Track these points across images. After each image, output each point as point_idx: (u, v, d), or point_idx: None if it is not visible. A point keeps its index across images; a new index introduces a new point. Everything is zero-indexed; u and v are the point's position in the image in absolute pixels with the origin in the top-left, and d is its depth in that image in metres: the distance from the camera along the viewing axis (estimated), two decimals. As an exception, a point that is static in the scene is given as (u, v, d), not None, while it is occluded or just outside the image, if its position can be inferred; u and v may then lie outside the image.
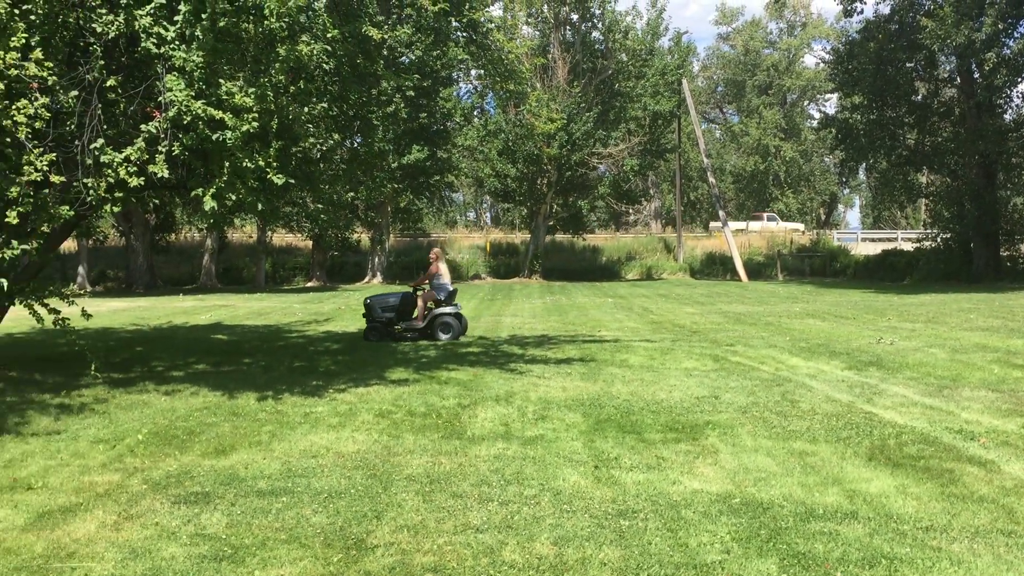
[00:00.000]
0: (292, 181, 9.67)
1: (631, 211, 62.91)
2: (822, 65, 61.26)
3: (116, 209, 10.04)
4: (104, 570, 4.58)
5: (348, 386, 10.30)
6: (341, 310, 23.60)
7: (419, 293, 15.77)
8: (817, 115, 65.01)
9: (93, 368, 10.31)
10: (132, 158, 8.98)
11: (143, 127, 9.19)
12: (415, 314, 15.64)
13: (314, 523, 5.32)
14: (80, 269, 36.57)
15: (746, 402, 9.19)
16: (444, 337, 15.29)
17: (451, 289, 16.02)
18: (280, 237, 46.44)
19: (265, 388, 10.14)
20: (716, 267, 46.74)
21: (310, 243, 41.15)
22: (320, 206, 11.29)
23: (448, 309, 15.53)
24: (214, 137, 9.06)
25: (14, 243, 7.93)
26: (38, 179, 8.41)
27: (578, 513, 5.51)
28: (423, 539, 5.05)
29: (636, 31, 44.11)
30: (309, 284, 39.44)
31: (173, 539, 5.05)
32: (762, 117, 67.83)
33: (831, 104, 69.81)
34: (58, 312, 10.52)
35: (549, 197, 42.33)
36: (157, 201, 13.25)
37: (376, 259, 40.87)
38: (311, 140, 10.17)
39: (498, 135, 40.99)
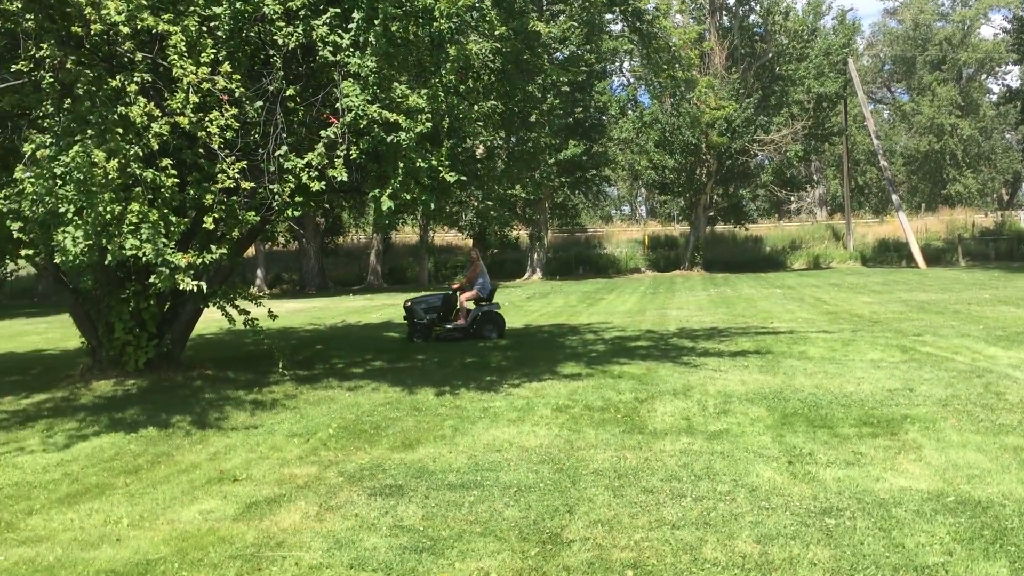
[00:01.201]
0: (464, 178, 9.79)
1: (794, 199, 60.65)
2: (1002, 35, 57.05)
3: (297, 214, 10.47)
4: (312, 559, 4.73)
5: (522, 381, 10.35)
6: (504, 307, 23.86)
7: (459, 294, 15.83)
8: (997, 89, 60.55)
9: (281, 366, 10.84)
10: (313, 163, 9.33)
11: (322, 133, 9.54)
12: (455, 314, 15.68)
13: (507, 516, 5.33)
14: (258, 272, 38.67)
15: (945, 395, 8.60)
16: (492, 335, 15.34)
17: (491, 287, 16.15)
18: (440, 237, 47.54)
19: (441, 384, 10.32)
20: (890, 254, 44.33)
21: (470, 242, 41.94)
22: (489, 203, 11.37)
23: (492, 307, 15.66)
24: (389, 139, 9.28)
25: (212, 247, 8.40)
26: (230, 186, 8.87)
27: (778, 510, 5.28)
28: (618, 534, 4.96)
29: (796, 12, 42.46)
30: (470, 282, 40.20)
31: (373, 530, 5.17)
32: (935, 94, 63.78)
33: (1013, 76, 64.91)
34: (247, 313, 11.11)
35: (709, 187, 41.38)
36: (327, 206, 13.74)
37: (535, 255, 41.17)
38: (482, 137, 10.27)
39: (654, 126, 40.40)
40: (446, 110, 9.62)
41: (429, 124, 9.16)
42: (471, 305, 15.54)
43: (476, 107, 10.10)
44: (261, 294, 12.39)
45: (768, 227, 52.56)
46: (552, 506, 5.49)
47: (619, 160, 42.33)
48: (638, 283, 34.17)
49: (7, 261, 11.70)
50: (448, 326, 15.32)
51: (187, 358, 12.42)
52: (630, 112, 41.73)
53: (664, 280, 35.52)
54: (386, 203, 9.45)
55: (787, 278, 33.29)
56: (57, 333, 19.03)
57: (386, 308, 24.29)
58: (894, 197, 45.20)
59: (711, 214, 43.39)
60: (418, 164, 9.36)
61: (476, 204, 11.69)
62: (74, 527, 5.43)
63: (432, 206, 10.07)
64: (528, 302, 25.32)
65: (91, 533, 5.30)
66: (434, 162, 9.40)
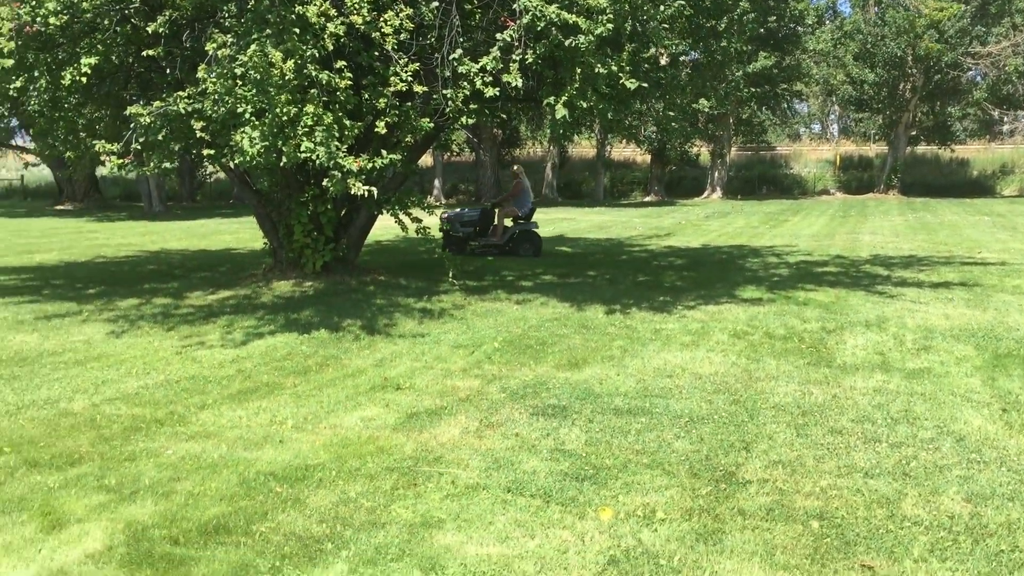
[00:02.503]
0: (645, 86, 9.17)
1: (1009, 119, 55.19)
2: None
3: (470, 121, 10.21)
4: (469, 478, 4.53)
5: (697, 303, 9.80)
6: (682, 225, 23.07)
7: (498, 210, 15.24)
8: None
9: (451, 276, 10.74)
10: (488, 68, 8.96)
11: (498, 36, 9.13)
12: (492, 230, 15.14)
13: (677, 449, 4.93)
14: (436, 183, 39.24)
15: None
16: (528, 253, 14.92)
17: (531, 206, 15.49)
18: (618, 152, 46.53)
19: (612, 302, 9.93)
20: (1120, 182, 39.74)
21: (648, 158, 40.79)
22: (671, 114, 10.67)
23: (529, 225, 15.20)
24: (567, 43, 8.77)
25: (383, 152, 8.25)
26: (403, 90, 8.67)
27: (991, 465, 4.61)
28: (802, 478, 4.46)
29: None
30: (647, 199, 39.21)
31: (533, 452, 4.91)
32: None
33: None
34: (420, 221, 11.04)
35: (912, 104, 38.13)
36: (503, 116, 13.40)
37: (715, 173, 39.60)
38: (666, 42, 9.55)
39: (854, 37, 37.41)
40: (629, 11, 8.97)
41: (611, 26, 8.57)
42: (508, 223, 15.25)
43: (662, 7, 9.37)
44: (437, 203, 12.32)
45: (977, 149, 48.18)
46: (727, 441, 5.04)
47: (813, 74, 39.61)
48: (826, 205, 32.23)
49: (204, 164, 12.15)
50: (483, 241, 15.17)
51: (362, 263, 12.59)
52: (828, 22, 38.80)
53: (855, 203, 33.35)
54: (560, 111, 9.00)
55: (996, 205, 30.46)
56: (247, 233, 19.94)
57: (559, 222, 24.00)
58: None
59: (913, 133, 40.11)
60: (597, 70, 8.82)
61: (658, 114, 11.00)
62: (241, 425, 5.48)
63: (609, 116, 9.54)
64: (706, 221, 24.36)
65: (256, 432, 5.32)
66: (614, 68, 8.83)
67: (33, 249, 16.59)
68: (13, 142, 27.15)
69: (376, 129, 8.52)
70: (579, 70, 8.93)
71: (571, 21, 8.58)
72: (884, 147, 42.53)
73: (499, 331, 8.35)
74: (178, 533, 3.86)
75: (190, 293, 10.83)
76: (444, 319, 9.06)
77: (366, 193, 8.12)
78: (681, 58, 11.40)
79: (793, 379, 6.42)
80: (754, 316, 8.94)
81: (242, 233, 20.53)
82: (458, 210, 16.55)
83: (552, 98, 9.18)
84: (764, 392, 6.07)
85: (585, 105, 9.10)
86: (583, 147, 46.95)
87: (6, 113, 12.99)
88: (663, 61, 10.61)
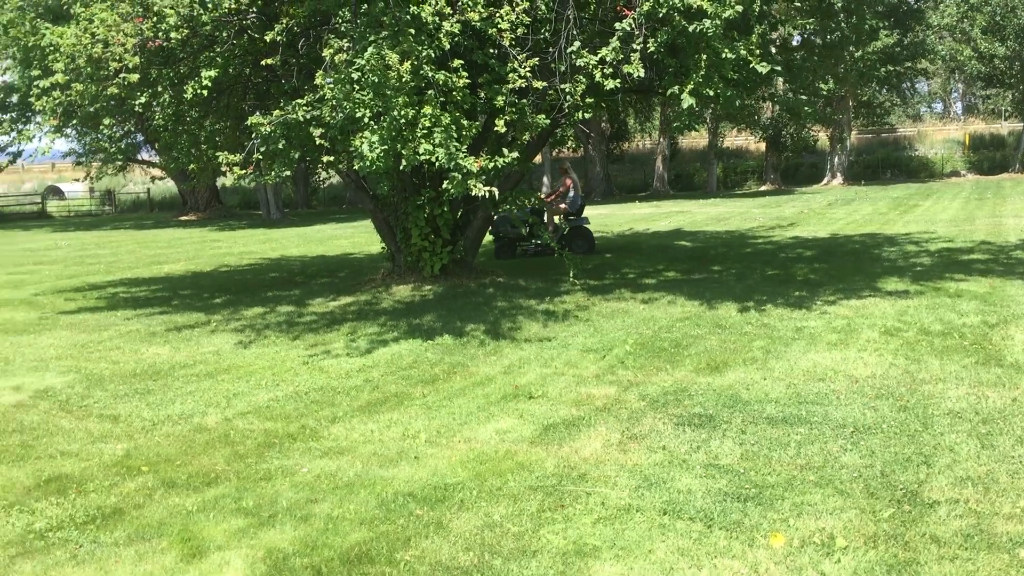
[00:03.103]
0: (778, 69, 8.63)
1: None
2: None
3: (587, 115, 9.88)
4: (619, 498, 4.19)
5: (837, 297, 9.20)
6: (804, 214, 22.12)
7: (547, 208, 14.35)
8: None
9: (572, 275, 10.40)
10: (607, 59, 8.60)
11: (616, 26, 8.75)
12: (544, 229, 14.14)
13: (846, 464, 4.48)
14: (544, 179, 38.96)
15: None
16: (582, 250, 14.13)
17: (581, 202, 14.73)
18: (730, 140, 45.31)
19: (743, 298, 9.43)
20: None
21: (762, 146, 39.52)
22: (802, 96, 10.07)
23: (580, 221, 14.55)
24: (691, 28, 8.32)
25: (504, 152, 7.99)
26: (521, 86, 8.39)
27: None
28: (998, 498, 3.96)
29: None
30: (762, 188, 37.97)
31: (685, 468, 4.54)
32: None
33: None
34: (537, 220, 10.77)
35: (1047, 77, 35.76)
36: (617, 109, 13.00)
37: (835, 159, 37.99)
38: (798, 21, 9.00)
39: (982, 9, 35.31)
40: (758, -9, 8.47)
41: (739, 8, 8.07)
42: (557, 220, 14.55)
43: (792, -15, 8.83)
44: (548, 201, 12.03)
45: (1121, 121, 44.87)
46: (902, 454, 4.55)
47: (937, 51, 37.58)
48: (958, 187, 30.48)
49: (318, 170, 12.19)
50: (535, 242, 14.37)
51: (478, 264, 12.41)
52: (952, -5, 36.75)
53: (990, 184, 31.42)
54: (687, 100, 8.56)
55: None
56: (362, 237, 20.10)
57: (674, 216, 23.38)
58: None
59: (1049, 108, 37.63)
60: (724, 55, 8.34)
61: (788, 97, 10.41)
62: (373, 439, 5.30)
63: (737, 103, 9.05)
64: (830, 209, 23.30)
65: (390, 447, 5.12)
66: (743, 51, 8.33)
67: (161, 260, 17.09)
68: (139, 156, 28.23)
69: (496, 128, 8.27)
70: (704, 56, 8.48)
71: (695, 5, 8.13)
72: (1018, 124, 40.07)
73: (628, 333, 7.98)
74: (320, 562, 3.66)
75: (312, 300, 10.84)
76: (569, 321, 8.75)
77: (486, 194, 7.89)
78: (811, 37, 10.79)
79: (963, 381, 5.85)
80: (903, 311, 8.30)
81: (357, 237, 20.72)
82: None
83: (676, 87, 8.75)
84: (933, 397, 5.52)
85: (712, 92, 8.64)
86: (693, 137, 45.92)
87: (132, 128, 13.35)
88: (794, 42, 10.05)
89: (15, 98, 9.88)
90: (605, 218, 22.99)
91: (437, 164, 7.66)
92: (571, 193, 14.81)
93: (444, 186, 8.00)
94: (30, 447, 5.34)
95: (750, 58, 8.34)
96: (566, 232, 14.45)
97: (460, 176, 7.71)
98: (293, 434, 5.46)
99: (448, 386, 6.50)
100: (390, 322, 9.10)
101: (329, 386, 6.62)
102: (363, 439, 5.32)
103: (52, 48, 8.57)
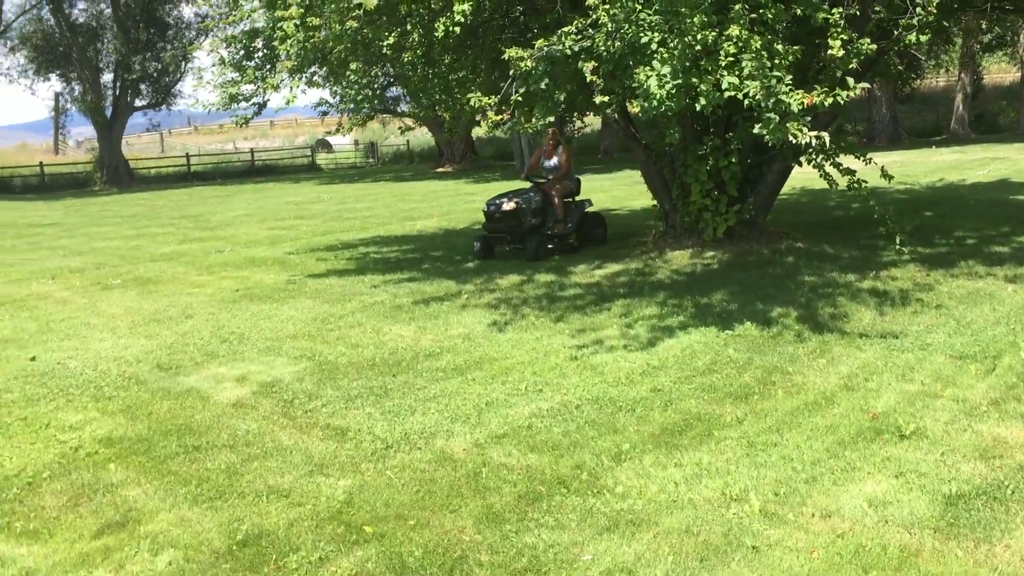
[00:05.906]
0: None
1: None
2: None
3: (923, 38, 7.68)
4: None
5: None
6: None
7: (552, 189, 10.45)
8: None
9: (898, 242, 8.06)
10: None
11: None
12: (555, 216, 10.49)
13: None
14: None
15: None
16: (599, 238, 11.10)
17: (577, 178, 11.05)
18: (1042, 74, 39.01)
19: None
20: None
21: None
22: None
23: (584, 203, 10.97)
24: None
25: (850, 81, 5.92)
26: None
27: None
28: None
29: None
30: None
31: None
32: None
33: None
34: (853, 172, 8.55)
35: None
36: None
37: None
38: None
39: None
40: None
41: None
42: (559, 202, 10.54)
43: None
44: (856, 148, 9.69)
45: None
46: None
47: None
48: None
49: (574, 117, 10.62)
50: (550, 233, 10.41)
51: (768, 225, 10.36)
52: None
53: None
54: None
55: None
56: (621, 191, 18.43)
57: (990, 163, 19.73)
58: None
59: None
60: None
61: None
62: (680, 499, 3.66)
63: None
64: None
65: (708, 519, 3.46)
66: None
67: (415, 215, 16.36)
68: (399, 109, 28.15)
69: (830, 50, 6.25)
70: None
71: None
72: None
73: (1012, 329, 5.78)
74: None
75: (574, 267, 9.35)
76: (913, 307, 6.63)
77: (812, 140, 5.92)
78: None
79: None
80: None
81: (616, 191, 19.03)
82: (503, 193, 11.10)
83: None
84: None
85: None
86: (995, 72, 40.03)
87: (380, 74, 12.43)
88: None
89: (259, 42, 8.89)
90: (902, 167, 19.72)
91: (747, 102, 5.78)
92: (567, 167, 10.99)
93: (756, 129, 6.03)
94: (236, 475, 4.19)
95: None
96: (582, 218, 10.80)
97: (778, 117, 5.78)
98: (564, 479, 3.93)
99: (769, 406, 4.72)
100: (671, 300, 7.40)
101: (607, 396, 5.05)
102: (664, 496, 3.69)
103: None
